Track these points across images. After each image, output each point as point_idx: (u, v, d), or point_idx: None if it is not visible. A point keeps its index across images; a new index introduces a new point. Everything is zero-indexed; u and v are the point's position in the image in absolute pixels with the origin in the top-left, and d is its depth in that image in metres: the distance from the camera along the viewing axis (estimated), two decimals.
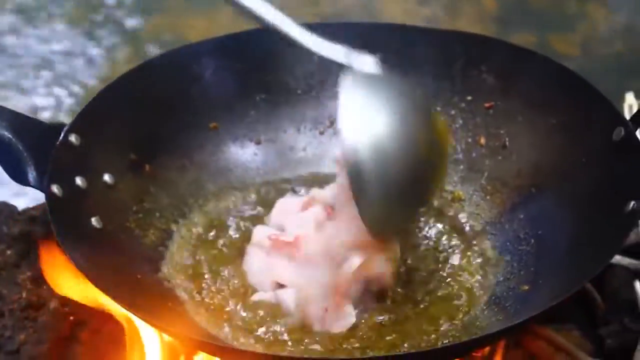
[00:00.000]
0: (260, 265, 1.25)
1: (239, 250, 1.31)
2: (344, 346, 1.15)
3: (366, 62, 1.18)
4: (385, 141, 1.12)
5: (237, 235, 1.35)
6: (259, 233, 1.29)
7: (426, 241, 1.34)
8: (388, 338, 1.16)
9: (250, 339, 1.16)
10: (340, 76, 1.14)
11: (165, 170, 1.38)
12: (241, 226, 1.37)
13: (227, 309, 1.22)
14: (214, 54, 1.47)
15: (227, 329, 1.18)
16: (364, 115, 1.13)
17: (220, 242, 1.34)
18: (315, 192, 1.31)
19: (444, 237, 1.34)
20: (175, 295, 1.24)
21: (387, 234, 1.22)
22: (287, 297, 1.20)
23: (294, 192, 1.43)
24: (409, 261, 1.29)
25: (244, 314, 1.20)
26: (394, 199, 1.15)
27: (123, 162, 1.33)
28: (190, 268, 1.28)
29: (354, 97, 1.14)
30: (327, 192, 1.28)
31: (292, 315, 1.18)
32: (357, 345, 1.15)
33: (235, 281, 1.26)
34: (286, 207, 1.32)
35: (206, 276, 1.27)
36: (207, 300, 1.23)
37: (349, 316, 1.18)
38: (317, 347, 1.15)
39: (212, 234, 1.35)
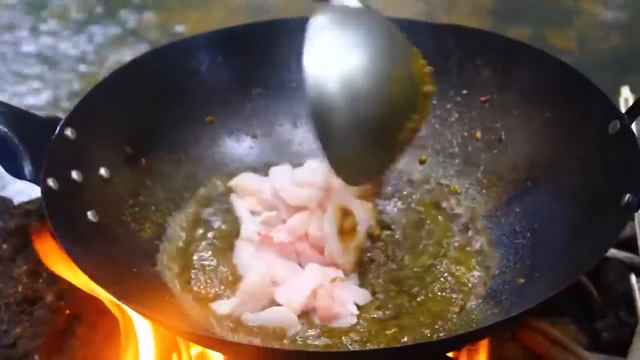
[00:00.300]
0: (250, 260, 1.26)
1: (230, 244, 1.31)
2: (344, 340, 1.16)
3: None
4: (353, 75, 1.08)
5: (228, 228, 1.35)
6: (248, 227, 1.30)
7: (419, 232, 1.33)
8: (387, 332, 1.17)
9: (246, 331, 1.17)
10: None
11: (161, 164, 1.38)
12: (235, 219, 1.37)
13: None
14: (210, 48, 1.47)
15: (220, 322, 1.19)
16: (332, 50, 1.09)
17: (211, 234, 1.34)
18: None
19: (439, 231, 1.34)
20: (171, 288, 1.24)
21: (358, 179, 1.21)
22: (279, 297, 1.21)
23: None
24: (406, 256, 1.29)
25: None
26: (363, 137, 1.11)
27: (119, 155, 1.32)
28: (184, 261, 1.29)
29: (323, 30, 1.10)
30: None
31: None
32: (356, 338, 1.16)
33: (225, 269, 1.27)
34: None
35: (199, 269, 1.27)
36: (200, 292, 1.23)
37: (350, 315, 1.19)
38: (316, 341, 1.16)
39: (205, 227, 1.35)
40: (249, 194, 1.37)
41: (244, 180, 1.39)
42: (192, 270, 1.27)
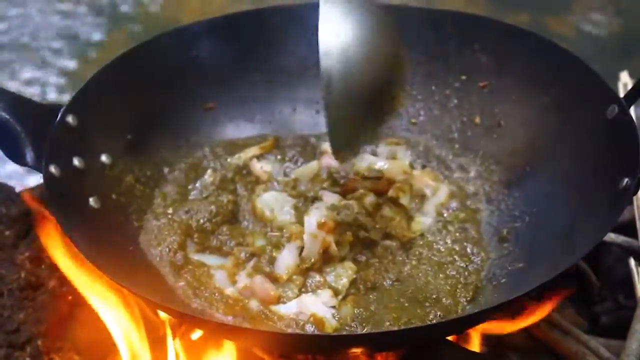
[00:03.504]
0: None
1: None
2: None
3: None
4: (351, 48, 1.14)
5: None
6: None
7: (422, 218, 1.34)
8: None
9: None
10: None
11: (161, 151, 1.39)
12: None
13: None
14: (210, 35, 1.47)
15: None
16: (340, 29, 1.15)
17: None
18: None
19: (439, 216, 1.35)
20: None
21: (348, 144, 1.24)
22: None
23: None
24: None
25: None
26: (355, 99, 1.17)
27: (120, 142, 1.33)
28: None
29: (333, 13, 1.16)
30: None
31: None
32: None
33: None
34: None
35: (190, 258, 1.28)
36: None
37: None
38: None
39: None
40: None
41: None
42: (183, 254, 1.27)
